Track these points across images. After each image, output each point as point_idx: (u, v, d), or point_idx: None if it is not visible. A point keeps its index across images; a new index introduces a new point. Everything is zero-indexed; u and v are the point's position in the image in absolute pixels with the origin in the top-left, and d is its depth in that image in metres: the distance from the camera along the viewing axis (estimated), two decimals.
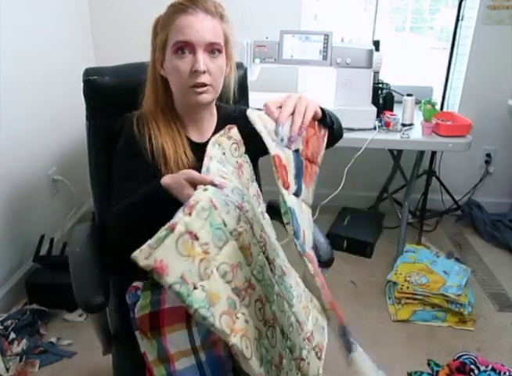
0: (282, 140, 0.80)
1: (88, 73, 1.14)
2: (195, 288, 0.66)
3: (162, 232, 0.62)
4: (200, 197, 0.70)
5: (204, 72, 0.93)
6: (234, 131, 1.01)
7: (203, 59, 0.92)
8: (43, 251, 1.85)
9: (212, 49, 0.94)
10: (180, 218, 0.65)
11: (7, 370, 1.47)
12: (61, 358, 1.56)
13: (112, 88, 1.16)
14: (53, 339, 1.62)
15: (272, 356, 0.80)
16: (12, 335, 1.56)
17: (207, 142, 1.01)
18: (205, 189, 0.72)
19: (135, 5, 2.28)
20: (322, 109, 0.90)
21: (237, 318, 0.72)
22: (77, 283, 0.97)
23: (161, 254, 0.61)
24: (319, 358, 0.98)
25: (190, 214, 0.67)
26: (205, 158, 0.84)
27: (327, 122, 0.93)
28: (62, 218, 2.11)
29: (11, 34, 1.71)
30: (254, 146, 1.04)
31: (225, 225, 0.73)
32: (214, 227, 0.71)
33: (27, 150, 1.84)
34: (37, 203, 1.94)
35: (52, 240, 1.89)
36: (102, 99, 1.15)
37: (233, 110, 1.13)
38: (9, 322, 1.60)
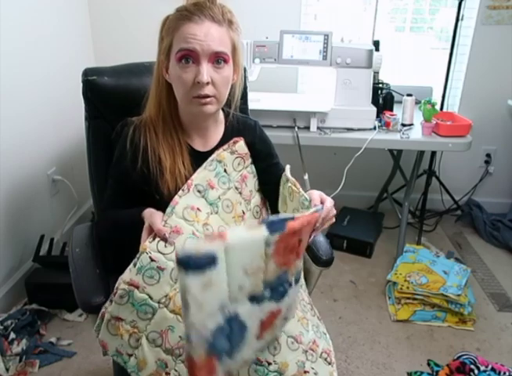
0: None
1: (87, 73, 1.14)
2: (130, 356, 0.87)
3: (97, 320, 0.89)
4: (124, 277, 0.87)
5: (208, 83, 0.90)
6: (239, 145, 1.03)
7: (206, 70, 0.89)
8: (43, 251, 1.85)
9: (217, 59, 0.90)
10: (106, 307, 0.89)
11: (7, 370, 1.47)
12: (61, 358, 1.56)
13: (111, 89, 1.15)
14: (53, 339, 1.62)
15: None
16: (12, 335, 1.56)
17: (212, 150, 1.04)
18: (150, 241, 0.86)
19: (135, 6, 2.28)
20: None
21: (168, 374, 0.84)
22: (77, 284, 0.97)
23: (101, 336, 0.89)
24: (330, 363, 0.97)
25: (111, 301, 0.87)
26: (180, 190, 0.93)
27: None
28: (62, 218, 2.11)
29: (11, 34, 1.70)
30: (257, 165, 1.10)
31: (150, 298, 0.85)
32: (137, 305, 0.86)
33: (26, 150, 1.84)
34: (37, 203, 1.94)
35: (52, 240, 1.89)
36: (101, 99, 1.15)
37: (247, 124, 1.10)
38: (9, 322, 1.60)
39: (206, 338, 0.64)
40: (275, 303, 0.75)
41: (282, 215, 0.73)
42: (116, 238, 1.01)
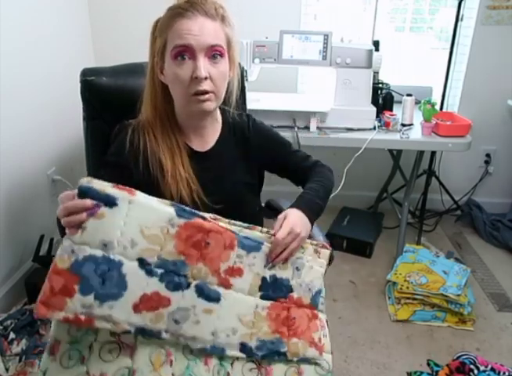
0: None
1: (86, 73, 1.13)
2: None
3: None
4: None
5: (206, 78, 0.89)
6: (324, 252, 1.01)
7: (204, 65, 0.88)
8: (43, 251, 1.85)
9: (213, 53, 0.90)
10: None
11: (6, 370, 1.47)
12: None
13: (110, 89, 1.14)
14: None
15: None
16: (12, 335, 1.56)
17: (210, 150, 1.02)
18: None
19: (135, 5, 2.28)
20: (311, 212, 0.96)
21: None
22: None
23: None
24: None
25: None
26: None
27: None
28: None
29: (10, 34, 1.71)
30: (262, 158, 1.09)
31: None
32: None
33: (26, 150, 1.84)
34: (37, 203, 1.94)
35: (51, 240, 1.89)
36: (99, 99, 1.14)
37: (242, 119, 1.09)
38: (9, 322, 1.60)
39: (76, 255, 0.70)
40: (164, 289, 0.75)
41: (198, 212, 0.81)
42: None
